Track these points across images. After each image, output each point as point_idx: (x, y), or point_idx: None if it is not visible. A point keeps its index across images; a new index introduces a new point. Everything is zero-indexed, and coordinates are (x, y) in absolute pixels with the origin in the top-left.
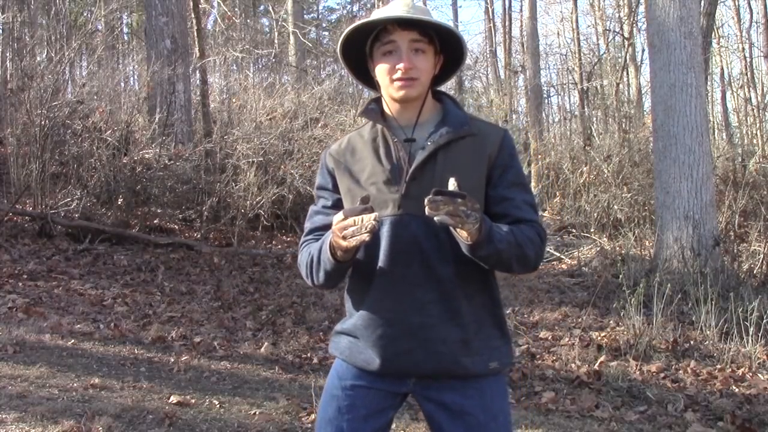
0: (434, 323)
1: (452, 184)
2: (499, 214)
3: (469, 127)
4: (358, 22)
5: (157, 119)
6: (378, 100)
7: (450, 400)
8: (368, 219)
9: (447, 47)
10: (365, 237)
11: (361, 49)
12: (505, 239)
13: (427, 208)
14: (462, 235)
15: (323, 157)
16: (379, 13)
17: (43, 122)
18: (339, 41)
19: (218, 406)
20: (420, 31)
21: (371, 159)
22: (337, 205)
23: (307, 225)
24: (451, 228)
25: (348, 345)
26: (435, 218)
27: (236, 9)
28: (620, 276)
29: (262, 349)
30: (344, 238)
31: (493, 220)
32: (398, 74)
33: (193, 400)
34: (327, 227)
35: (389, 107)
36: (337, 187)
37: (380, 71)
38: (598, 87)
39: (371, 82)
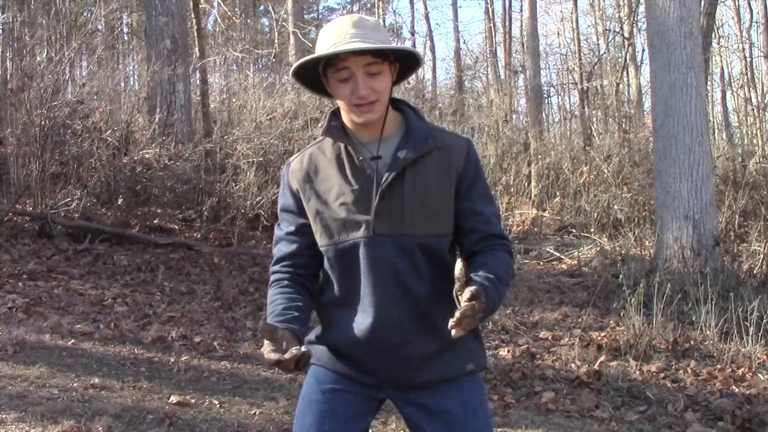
0: (412, 340)
1: (458, 269)
2: (468, 228)
3: (434, 141)
4: (308, 57)
5: (157, 119)
6: (337, 114)
7: (430, 401)
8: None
9: (400, 54)
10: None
11: (314, 68)
12: (498, 296)
13: (454, 332)
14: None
15: (285, 176)
16: (326, 38)
17: (43, 122)
18: (291, 70)
19: (218, 406)
20: (373, 54)
21: (337, 178)
22: (301, 230)
23: (274, 251)
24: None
25: (325, 352)
26: (452, 332)
27: (236, 9)
28: (620, 276)
29: (262, 349)
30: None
31: (461, 234)
32: (357, 101)
33: (193, 400)
34: (293, 256)
35: (350, 123)
36: (302, 209)
37: (338, 96)
38: (598, 87)
39: (327, 92)
